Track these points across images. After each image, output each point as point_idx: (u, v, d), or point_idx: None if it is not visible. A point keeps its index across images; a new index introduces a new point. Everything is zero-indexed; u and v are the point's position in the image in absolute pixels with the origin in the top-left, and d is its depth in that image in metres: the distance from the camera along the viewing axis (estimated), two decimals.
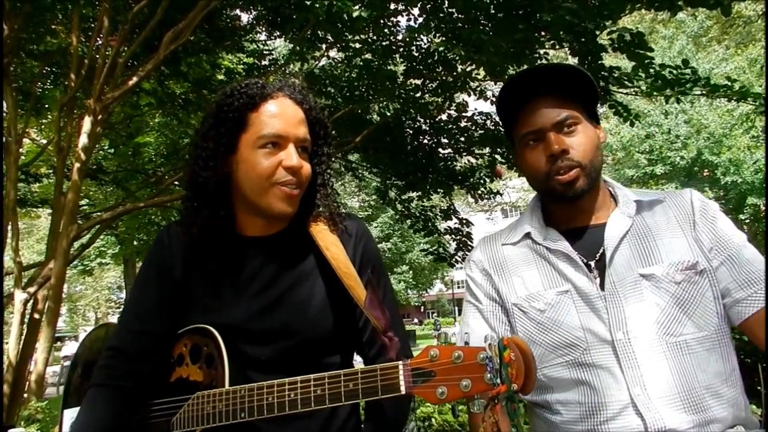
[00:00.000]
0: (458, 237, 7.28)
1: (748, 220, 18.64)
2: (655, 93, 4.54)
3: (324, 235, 1.32)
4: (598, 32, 4.24)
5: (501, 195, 7.62)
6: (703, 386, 1.22)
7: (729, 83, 4.46)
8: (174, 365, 1.30)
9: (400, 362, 1.02)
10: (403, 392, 1.00)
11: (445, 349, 0.99)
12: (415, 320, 35.93)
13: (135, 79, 4.62)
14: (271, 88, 1.28)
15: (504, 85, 1.40)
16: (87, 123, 4.48)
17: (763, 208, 18.26)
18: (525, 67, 4.83)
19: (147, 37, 4.82)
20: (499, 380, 0.93)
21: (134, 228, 12.31)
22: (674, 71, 4.47)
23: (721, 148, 17.86)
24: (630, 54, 4.18)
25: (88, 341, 1.53)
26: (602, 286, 1.30)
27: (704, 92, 4.46)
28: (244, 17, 6.47)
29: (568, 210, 1.39)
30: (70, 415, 1.38)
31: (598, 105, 1.46)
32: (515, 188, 27.45)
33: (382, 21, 4.80)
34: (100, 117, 4.58)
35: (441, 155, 6.99)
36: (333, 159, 1.43)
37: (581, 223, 1.40)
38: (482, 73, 5.67)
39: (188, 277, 1.32)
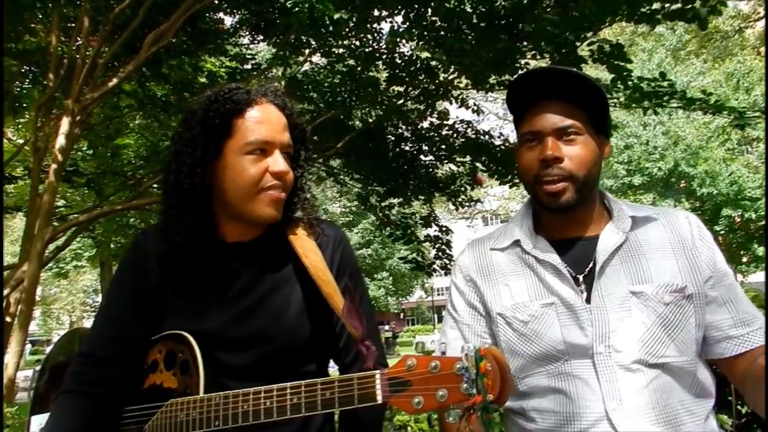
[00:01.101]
0: (437, 245, 7.30)
1: (723, 232, 18.97)
2: (633, 105, 4.62)
3: (302, 242, 1.32)
4: (578, 43, 4.31)
5: (482, 203, 7.66)
6: (679, 403, 1.23)
7: (705, 96, 4.55)
8: (148, 372, 1.28)
9: (378, 372, 1.01)
10: (380, 402, 1.00)
11: (422, 359, 0.99)
12: (387, 328, 35.77)
13: (115, 80, 4.58)
14: (256, 93, 1.28)
15: (517, 78, 1.39)
16: (65, 124, 4.42)
17: (738, 220, 18.61)
18: (506, 76, 4.91)
19: (128, 38, 4.78)
20: (475, 390, 0.93)
21: (112, 231, 12.14)
22: (652, 84, 4.55)
23: (698, 159, 18.19)
24: (609, 66, 4.25)
25: (58, 346, 1.51)
26: (588, 299, 1.29)
27: (681, 105, 4.55)
28: (228, 20, 6.45)
29: (559, 219, 1.38)
30: (39, 421, 1.36)
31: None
32: (496, 196, 27.67)
33: (365, 26, 4.82)
34: (78, 118, 4.51)
35: (422, 162, 7.02)
36: (311, 164, 1.43)
37: (572, 234, 1.38)
38: (465, 81, 5.72)
39: (164, 282, 1.30)
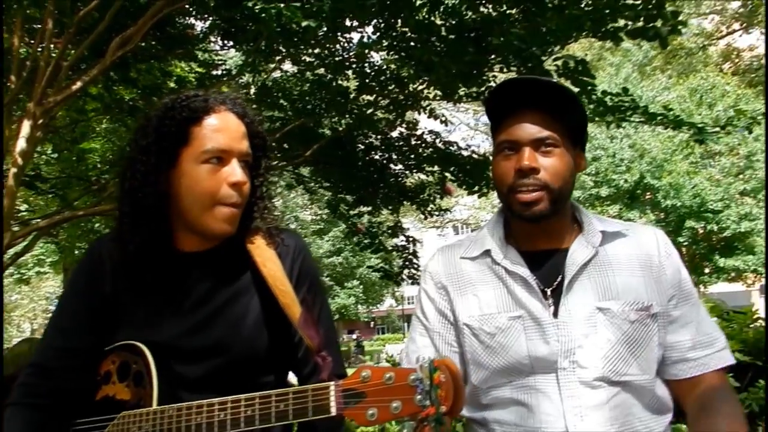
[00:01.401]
0: (404, 254, 7.32)
1: (686, 243, 19.41)
2: (597, 118, 4.72)
3: (261, 251, 1.31)
4: (544, 58, 4.39)
5: (450, 212, 7.72)
6: (638, 420, 1.25)
7: (665, 112, 4.68)
8: (100, 383, 1.26)
9: (332, 383, 1.01)
10: (334, 413, 1.00)
11: (377, 370, 0.99)
12: (354, 336, 35.62)
13: (79, 83, 4.49)
14: (214, 101, 1.27)
15: (497, 86, 1.38)
16: (26, 127, 4.32)
17: (701, 232, 19.07)
18: (474, 88, 4.98)
19: (95, 41, 4.70)
20: (428, 402, 0.93)
21: (75, 236, 11.87)
22: (615, 98, 4.65)
23: (662, 172, 18.59)
24: (574, 80, 4.34)
25: (10, 357, 1.48)
26: (556, 314, 1.29)
27: (642, 119, 4.67)
28: (199, 25, 6.39)
29: (530, 230, 1.38)
30: None
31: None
32: (467, 206, 27.88)
33: (333, 34, 4.83)
34: (40, 121, 4.42)
35: (392, 171, 7.04)
36: (273, 173, 1.43)
37: (542, 246, 1.38)
38: (434, 92, 5.77)
39: (119, 291, 1.29)
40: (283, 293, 1.25)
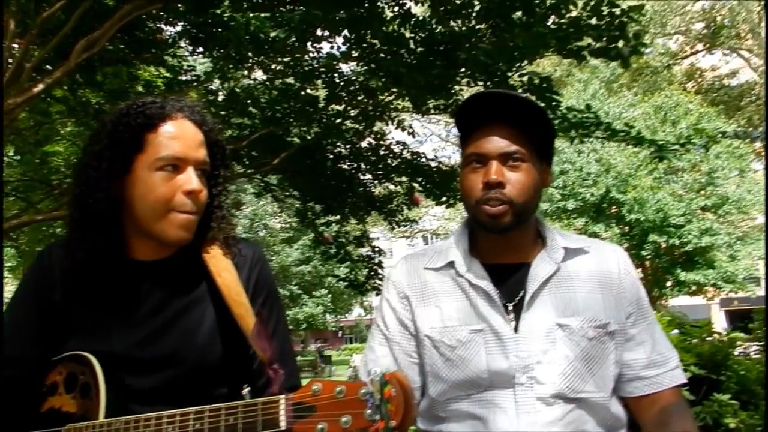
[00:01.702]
0: (370, 265, 7.32)
1: (649, 256, 19.81)
2: (560, 133, 4.81)
3: (217, 261, 1.29)
4: (510, 73, 4.46)
5: (418, 222, 7.76)
6: None
7: (627, 129, 4.80)
8: (46, 394, 1.22)
9: (282, 396, 1.00)
10: (284, 427, 0.98)
11: (328, 384, 0.98)
12: (315, 347, 35.40)
13: (41, 85, 4.40)
14: (171, 108, 1.25)
15: (467, 99, 1.38)
16: None
17: (663, 246, 19.49)
18: (442, 101, 5.04)
19: (60, 43, 4.62)
20: (378, 416, 0.92)
21: (36, 241, 11.58)
22: (578, 115, 4.75)
23: (627, 187, 18.95)
24: (539, 96, 4.43)
25: None
26: (517, 328, 1.30)
27: (605, 136, 4.78)
28: (168, 30, 6.33)
29: (494, 243, 1.38)
30: None
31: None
32: (436, 216, 28.02)
33: (298, 44, 4.84)
34: None
35: (360, 181, 7.06)
36: (232, 182, 1.42)
37: (506, 260, 1.38)
38: (403, 104, 5.82)
39: (69, 301, 1.25)
40: (238, 304, 1.23)
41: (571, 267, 1.36)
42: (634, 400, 1.36)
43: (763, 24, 23.42)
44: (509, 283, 1.35)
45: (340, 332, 46.71)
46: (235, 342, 1.27)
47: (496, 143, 1.31)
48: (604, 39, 4.08)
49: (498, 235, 1.34)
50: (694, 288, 19.87)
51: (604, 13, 4.04)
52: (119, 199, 1.22)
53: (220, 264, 1.29)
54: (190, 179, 1.22)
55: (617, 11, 4.02)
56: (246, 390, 1.07)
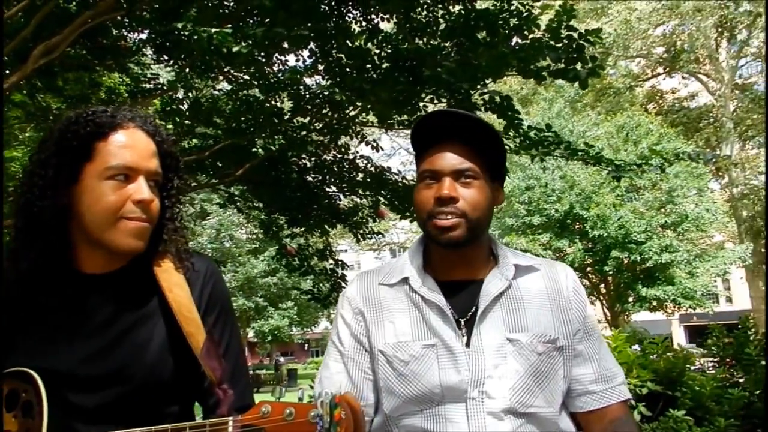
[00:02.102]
0: (333, 278, 7.30)
1: (611, 272, 20.17)
2: (522, 151, 4.90)
3: (168, 275, 1.26)
4: (472, 92, 4.54)
5: (384, 236, 7.77)
6: None
7: (586, 148, 4.92)
8: None
9: (230, 418, 0.99)
10: None
11: (277, 406, 0.98)
12: (281, 360, 34.98)
13: None
14: (122, 117, 1.23)
15: (422, 117, 1.41)
16: None
17: (625, 262, 19.87)
18: (406, 117, 5.09)
19: (19, 47, 4.53)
20: None
21: None
22: (539, 133, 4.85)
23: (591, 203, 19.29)
24: (500, 114, 4.51)
25: None
26: (468, 343, 1.32)
27: (564, 155, 4.89)
28: (133, 37, 6.26)
29: (448, 259, 1.40)
30: None
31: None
32: (404, 229, 28.11)
33: (262, 57, 4.84)
34: None
35: (325, 193, 7.06)
36: (183, 194, 1.40)
37: (459, 276, 1.40)
38: (369, 118, 5.86)
39: (13, 314, 1.22)
40: (188, 321, 1.21)
41: (521, 284, 1.39)
42: (584, 414, 1.39)
43: (720, 50, 24.30)
44: (461, 298, 1.37)
45: (306, 345, 46.28)
46: (185, 359, 1.23)
47: (450, 160, 1.34)
48: (563, 60, 4.19)
49: (451, 250, 1.37)
50: (654, 303, 20.26)
51: (563, 35, 4.15)
52: (66, 208, 1.20)
53: (171, 279, 1.26)
54: (141, 188, 1.20)
55: (575, 35, 4.14)
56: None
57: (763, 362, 3.65)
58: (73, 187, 1.19)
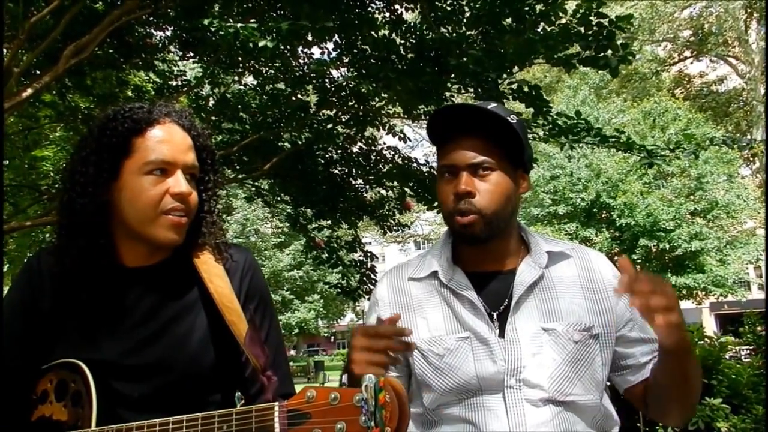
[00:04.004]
0: (362, 270, 7.31)
1: (639, 260, 19.91)
2: (551, 139, 4.83)
3: (208, 267, 1.28)
4: (499, 81, 4.49)
5: (409, 228, 7.75)
6: None
7: (617, 134, 4.83)
8: (36, 403, 1.21)
9: (276, 404, 0.99)
10: None
11: (322, 391, 0.98)
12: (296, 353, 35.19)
13: (30, 90, 4.38)
14: (158, 113, 1.25)
15: (435, 112, 1.42)
16: None
17: (654, 250, 19.60)
18: (432, 107, 5.05)
19: (49, 48, 4.61)
20: (373, 423, 0.92)
21: (26, 246, 11.50)
22: (568, 121, 4.78)
23: (617, 192, 19.06)
24: (528, 103, 4.45)
25: None
26: (502, 334, 1.32)
27: (595, 141, 4.80)
28: (158, 35, 6.32)
29: (476, 252, 1.40)
30: None
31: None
32: (428, 221, 28.04)
33: (287, 51, 4.83)
34: None
35: (352, 186, 7.06)
36: (221, 187, 1.41)
37: (489, 268, 1.40)
38: (395, 109, 5.84)
39: (58, 308, 1.24)
40: (230, 311, 1.23)
41: (554, 273, 1.39)
42: (635, 388, 1.39)
43: (750, 31, 23.70)
44: (493, 290, 1.38)
45: (333, 337, 46.57)
46: (227, 349, 1.26)
47: (465, 155, 1.35)
48: (593, 48, 4.11)
49: (472, 245, 1.38)
50: (684, 292, 19.97)
51: (593, 22, 4.07)
52: (107, 204, 1.22)
53: (212, 270, 1.28)
54: (179, 182, 1.21)
55: (605, 21, 4.05)
56: (237, 395, 1.06)
57: None
58: (113, 183, 1.21)
